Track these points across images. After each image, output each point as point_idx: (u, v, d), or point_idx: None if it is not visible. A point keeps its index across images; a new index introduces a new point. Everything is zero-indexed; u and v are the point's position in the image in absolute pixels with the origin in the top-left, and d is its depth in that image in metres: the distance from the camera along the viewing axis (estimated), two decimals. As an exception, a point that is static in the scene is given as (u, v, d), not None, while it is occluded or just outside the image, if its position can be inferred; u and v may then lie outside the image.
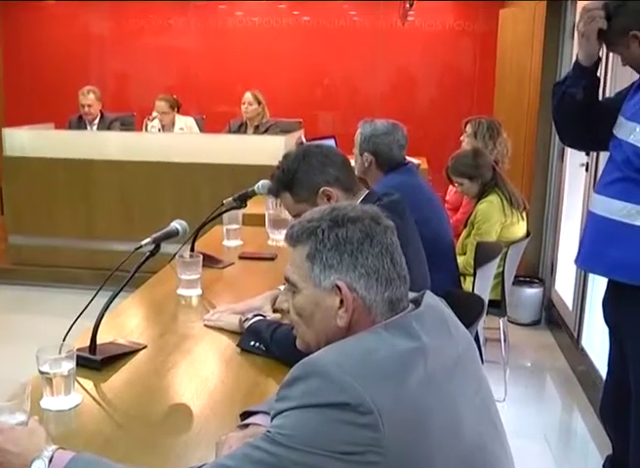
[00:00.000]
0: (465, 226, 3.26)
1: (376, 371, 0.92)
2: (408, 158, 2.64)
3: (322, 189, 1.73)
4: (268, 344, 1.65)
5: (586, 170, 3.60)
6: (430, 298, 1.09)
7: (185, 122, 5.34)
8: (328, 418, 0.89)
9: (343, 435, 0.88)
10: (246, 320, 1.77)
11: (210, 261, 2.42)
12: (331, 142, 3.91)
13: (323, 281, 1.04)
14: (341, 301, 1.02)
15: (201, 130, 5.46)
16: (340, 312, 1.03)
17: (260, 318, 1.77)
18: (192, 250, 2.42)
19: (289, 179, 1.75)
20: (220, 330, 1.84)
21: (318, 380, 0.91)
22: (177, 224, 1.91)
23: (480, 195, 3.23)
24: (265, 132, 5.07)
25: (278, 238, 2.90)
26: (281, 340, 1.62)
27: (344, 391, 0.89)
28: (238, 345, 1.71)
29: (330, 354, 0.96)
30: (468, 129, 3.80)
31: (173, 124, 5.29)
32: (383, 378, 0.92)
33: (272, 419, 0.95)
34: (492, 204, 3.16)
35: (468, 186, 3.23)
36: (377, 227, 1.05)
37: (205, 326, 1.85)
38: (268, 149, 4.34)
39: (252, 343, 1.68)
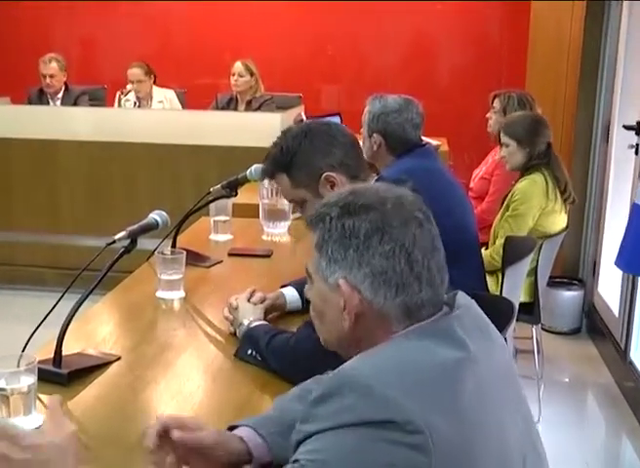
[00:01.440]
0: (500, 210, 3.27)
1: (422, 385, 0.92)
2: (425, 139, 2.64)
3: (325, 175, 1.72)
4: (264, 353, 1.66)
5: (636, 153, 3.59)
6: (464, 299, 1.09)
7: (165, 94, 5.35)
8: (369, 438, 0.87)
9: (389, 457, 0.87)
10: (240, 324, 1.78)
11: (194, 259, 2.42)
12: (336, 120, 3.91)
13: (329, 276, 1.05)
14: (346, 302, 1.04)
15: (183, 106, 5.46)
16: (344, 314, 1.04)
17: (261, 323, 1.77)
18: (174, 245, 2.42)
19: (287, 160, 1.75)
20: (208, 337, 1.84)
21: (355, 395, 0.91)
22: (156, 216, 1.91)
23: (523, 170, 3.24)
24: (259, 108, 5.07)
25: (274, 231, 2.91)
26: (278, 350, 1.63)
27: (388, 407, 0.88)
28: (235, 355, 1.72)
29: (364, 364, 0.96)
30: (496, 104, 3.79)
31: (150, 97, 5.29)
32: (432, 393, 0.92)
33: (298, 445, 0.94)
34: (535, 183, 3.17)
35: (513, 151, 3.24)
36: (395, 218, 1.03)
37: (226, 318, 1.85)
38: (262, 128, 4.33)
39: (249, 352, 1.69)
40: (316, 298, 1.09)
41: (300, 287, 1.94)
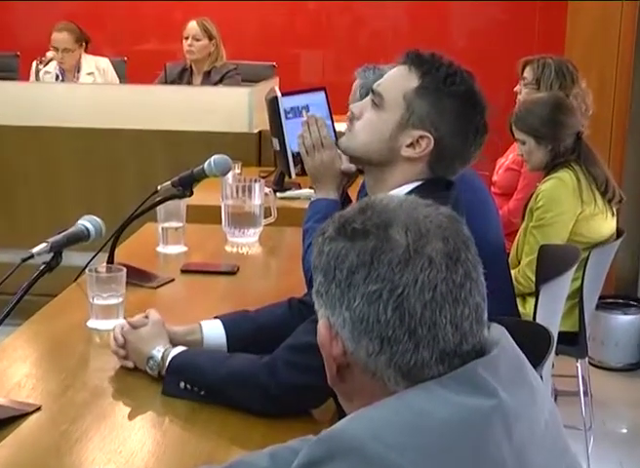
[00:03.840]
0: (523, 218, 3.28)
1: (437, 448, 0.93)
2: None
3: (426, 134, 1.78)
4: (213, 384, 1.70)
5: None
6: (500, 334, 1.09)
7: (97, 64, 5.35)
8: None
9: None
10: (150, 359, 1.80)
11: (138, 277, 2.43)
12: (319, 97, 3.93)
13: (318, 310, 1.08)
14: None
15: (122, 79, 5.47)
16: (329, 360, 1.07)
17: (183, 348, 1.82)
18: (111, 260, 2.43)
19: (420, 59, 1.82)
20: (154, 378, 1.85)
21: (349, 461, 0.92)
22: (86, 222, 1.92)
23: (549, 170, 3.25)
24: (220, 81, 5.09)
25: (241, 241, 2.92)
26: (242, 376, 1.68)
27: None
28: (163, 392, 1.76)
29: (359, 422, 0.97)
30: (527, 74, 3.83)
31: (78, 68, 5.29)
32: (450, 458, 0.93)
33: None
34: (562, 183, 3.17)
35: (532, 150, 3.25)
36: (393, 251, 1.01)
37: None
38: (225, 108, 4.36)
39: (182, 385, 1.74)
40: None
41: (235, 322, 1.97)
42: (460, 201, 1.83)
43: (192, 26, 5.17)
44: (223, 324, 1.97)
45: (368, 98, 1.87)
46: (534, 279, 2.97)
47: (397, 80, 1.82)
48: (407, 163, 1.81)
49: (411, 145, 1.79)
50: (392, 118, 1.80)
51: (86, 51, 5.37)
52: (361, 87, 2.68)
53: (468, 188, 2.18)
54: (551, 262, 2.86)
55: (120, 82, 5.41)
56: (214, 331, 1.96)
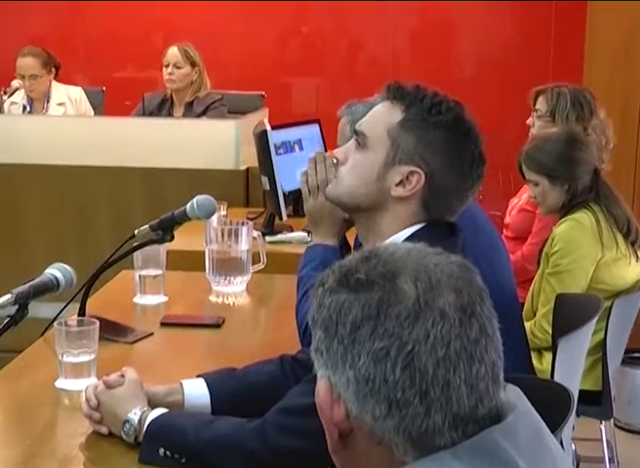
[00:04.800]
0: (539, 265, 3.29)
1: None
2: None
3: (416, 169, 1.81)
4: (195, 450, 1.70)
5: None
6: (516, 396, 1.09)
7: (69, 93, 5.38)
8: None
9: None
10: (126, 422, 1.79)
11: (112, 331, 2.43)
12: (313, 130, 3.96)
13: (318, 369, 1.08)
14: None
15: (99, 109, 5.49)
16: (330, 425, 1.07)
17: (164, 410, 1.81)
18: (82, 313, 2.43)
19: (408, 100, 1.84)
20: (130, 446, 1.84)
21: None
22: (55, 271, 1.92)
23: (565, 212, 3.26)
24: (204, 113, 5.12)
25: (227, 290, 2.92)
26: (227, 441, 1.68)
27: None
28: (140, 460, 1.75)
29: None
30: (541, 105, 3.86)
31: (48, 98, 5.32)
32: None
33: None
34: (580, 225, 3.18)
35: (546, 191, 3.25)
36: (402, 303, 1.02)
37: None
38: (209, 142, 4.37)
39: (161, 452, 1.73)
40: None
41: (221, 381, 1.96)
42: (467, 248, 1.84)
43: (173, 53, 5.18)
44: (207, 383, 1.96)
45: (352, 141, 1.90)
46: (551, 332, 2.97)
47: (380, 116, 1.86)
48: (399, 204, 1.83)
49: (400, 183, 1.81)
50: (378, 157, 1.83)
51: (56, 78, 5.39)
52: (351, 124, 2.70)
53: (473, 229, 2.19)
54: (570, 313, 2.85)
55: (97, 113, 5.44)
56: (196, 392, 1.95)
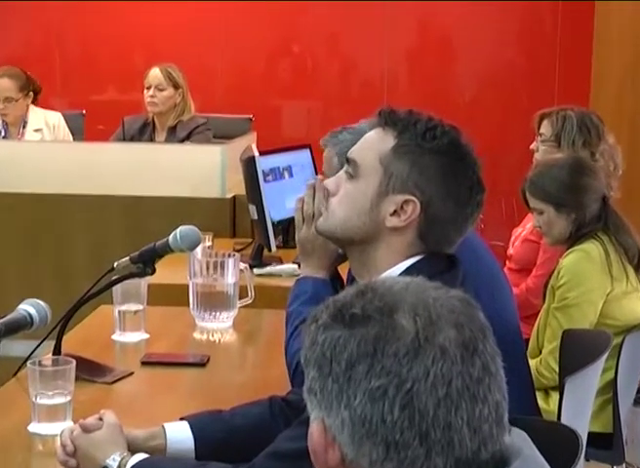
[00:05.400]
0: (544, 299, 3.29)
1: None
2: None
3: (411, 198, 1.81)
4: None
5: None
6: (521, 440, 1.10)
7: (47, 119, 5.37)
8: None
9: None
10: (108, 465, 1.78)
11: (89, 371, 2.42)
12: (304, 156, 3.97)
13: (311, 411, 1.08)
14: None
15: (79, 134, 5.50)
16: None
17: (145, 455, 1.80)
18: (58, 351, 2.42)
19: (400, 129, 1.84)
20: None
21: None
22: (29, 307, 1.91)
23: (572, 242, 3.27)
24: (188, 137, 5.12)
25: (212, 326, 2.91)
26: None
27: None
28: None
29: None
30: (545, 129, 3.87)
31: (24, 123, 5.32)
32: None
33: None
34: (587, 256, 3.18)
35: (552, 220, 3.26)
36: (400, 339, 1.03)
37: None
38: (193, 169, 4.38)
39: None
40: None
41: (205, 424, 1.96)
42: (468, 281, 1.84)
43: (154, 74, 5.16)
44: (191, 426, 1.95)
45: (342, 171, 1.91)
46: (557, 370, 2.97)
47: (372, 143, 1.87)
48: (394, 235, 1.84)
49: (395, 213, 1.82)
50: (370, 186, 1.84)
51: (35, 102, 5.38)
52: (339, 155, 2.71)
53: (473, 260, 2.20)
54: (578, 350, 2.85)
55: (77, 138, 5.43)
56: (179, 436, 1.94)
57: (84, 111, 5.69)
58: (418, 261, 1.84)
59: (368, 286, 1.10)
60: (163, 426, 1.96)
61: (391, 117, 1.84)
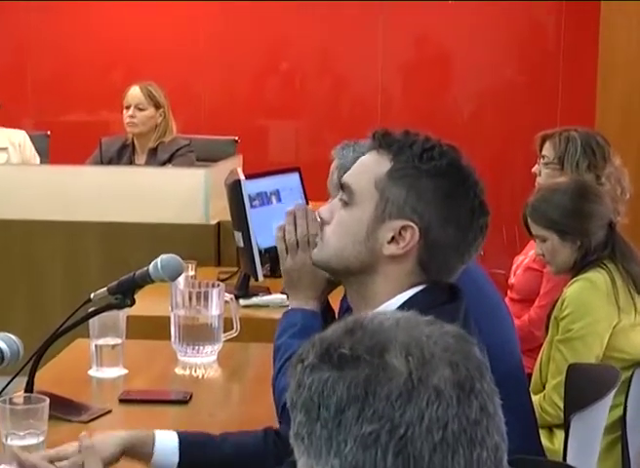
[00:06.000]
0: (547, 330, 3.30)
1: None
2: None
3: (409, 223, 1.82)
4: None
5: None
6: None
7: (11, 138, 5.37)
8: None
9: None
10: None
11: (64, 409, 2.41)
12: (292, 180, 3.98)
13: (298, 456, 1.08)
14: None
15: (44, 157, 5.50)
16: None
17: None
18: (30, 388, 2.40)
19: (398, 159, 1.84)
20: None
21: None
22: None
23: (577, 271, 3.27)
24: (169, 160, 5.12)
25: (195, 361, 2.91)
26: None
27: None
28: None
29: None
30: (547, 151, 3.89)
31: (-13, 142, 5.32)
32: None
33: None
34: (593, 285, 3.19)
35: (556, 248, 3.26)
36: (392, 381, 1.03)
37: None
38: (175, 193, 4.38)
39: None
40: None
41: (195, 446, 1.97)
42: (470, 314, 1.85)
43: (134, 93, 5.18)
44: (183, 440, 1.98)
45: (337, 198, 1.91)
46: (562, 407, 2.96)
47: (366, 168, 1.87)
48: (392, 263, 1.84)
49: (393, 240, 1.82)
50: (366, 213, 1.84)
51: (-2, 122, 5.39)
52: (339, 169, 2.73)
53: (474, 290, 2.20)
54: (584, 386, 2.85)
55: (41, 161, 5.44)
56: (166, 443, 1.97)
57: (48, 132, 5.68)
58: (419, 292, 1.84)
59: (357, 323, 1.10)
60: (154, 432, 1.97)
61: (386, 139, 1.84)
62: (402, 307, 1.77)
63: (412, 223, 1.79)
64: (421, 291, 1.84)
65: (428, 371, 1.03)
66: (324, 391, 1.04)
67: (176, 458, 1.95)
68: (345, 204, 1.87)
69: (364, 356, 1.05)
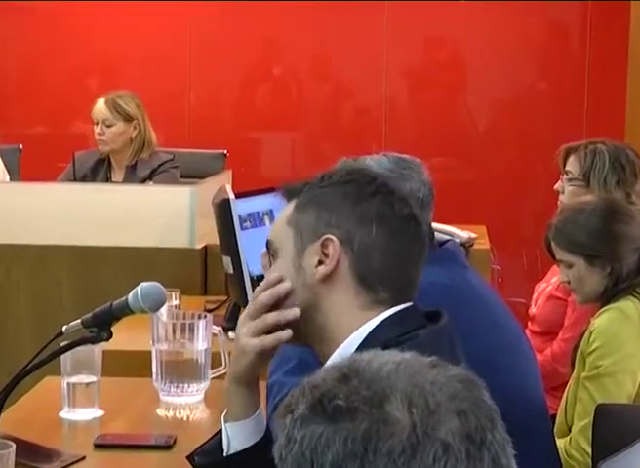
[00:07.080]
0: (573, 367, 3.30)
1: None
2: (442, 229, 2.69)
3: (326, 236, 1.86)
4: None
5: None
6: None
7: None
8: None
9: None
10: None
11: (32, 456, 2.41)
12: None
13: None
14: None
15: (14, 174, 5.51)
16: None
17: None
18: (-6, 432, 2.41)
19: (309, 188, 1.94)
20: None
21: None
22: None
23: (606, 300, 3.28)
24: (150, 177, 5.11)
25: (179, 401, 2.91)
26: None
27: None
28: None
29: None
30: (572, 166, 3.90)
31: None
32: None
33: None
34: (624, 316, 3.19)
35: (584, 274, 3.26)
36: (394, 436, 1.03)
37: None
38: (157, 213, 4.39)
39: None
40: None
41: None
42: (456, 339, 1.84)
43: (99, 108, 5.14)
44: None
45: (266, 258, 2.00)
46: (590, 452, 2.97)
47: (278, 218, 1.99)
48: (331, 289, 1.87)
49: (320, 263, 1.87)
50: (289, 253, 1.91)
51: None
52: None
53: (488, 319, 2.20)
54: (614, 429, 2.85)
55: (11, 178, 5.44)
56: None
57: (20, 146, 5.70)
58: (385, 320, 1.83)
59: (351, 369, 1.10)
60: None
61: (289, 191, 1.96)
62: (368, 340, 1.76)
63: (329, 235, 1.85)
64: (388, 318, 1.83)
65: (434, 423, 1.03)
66: (317, 447, 1.04)
67: None
68: (273, 259, 1.94)
69: (361, 407, 1.04)
